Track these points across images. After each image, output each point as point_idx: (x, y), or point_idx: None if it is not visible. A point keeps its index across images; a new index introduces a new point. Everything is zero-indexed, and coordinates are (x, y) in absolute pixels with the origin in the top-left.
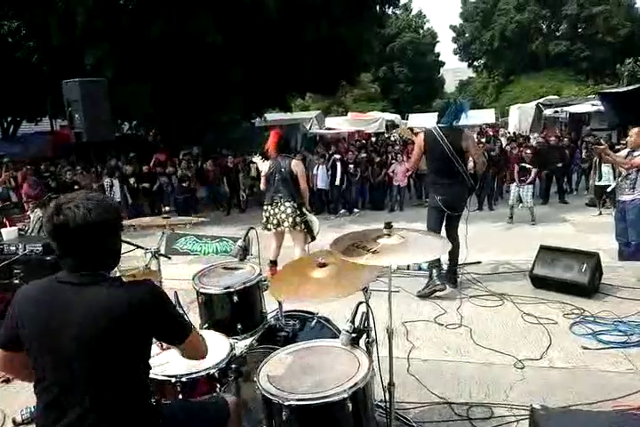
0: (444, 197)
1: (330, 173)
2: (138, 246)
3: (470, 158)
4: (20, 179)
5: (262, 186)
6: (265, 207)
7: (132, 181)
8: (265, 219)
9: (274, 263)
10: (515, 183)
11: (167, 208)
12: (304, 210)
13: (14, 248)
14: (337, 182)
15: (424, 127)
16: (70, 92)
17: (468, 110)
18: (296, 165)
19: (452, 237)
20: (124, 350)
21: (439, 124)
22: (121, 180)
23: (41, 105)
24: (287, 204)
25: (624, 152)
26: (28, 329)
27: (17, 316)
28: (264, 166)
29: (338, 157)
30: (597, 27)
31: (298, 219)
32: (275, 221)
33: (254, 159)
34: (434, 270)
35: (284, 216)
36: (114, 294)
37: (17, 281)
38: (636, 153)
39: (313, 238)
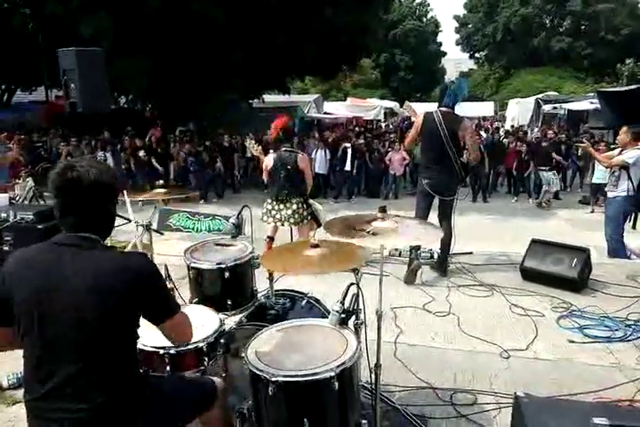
0: (431, 180)
1: (329, 158)
2: (130, 220)
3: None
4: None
5: (265, 179)
6: (269, 201)
7: (141, 153)
8: (266, 210)
9: (271, 239)
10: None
11: (161, 181)
12: (309, 201)
13: (5, 215)
14: (347, 168)
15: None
16: (66, 61)
17: (467, 88)
18: (302, 161)
19: (445, 225)
20: (118, 316)
21: (441, 108)
22: (113, 153)
23: (36, 74)
24: (294, 200)
25: (616, 151)
26: (21, 290)
27: (7, 281)
28: (267, 160)
29: (348, 145)
30: (600, 25)
31: (305, 213)
32: (278, 216)
33: (246, 143)
34: (412, 251)
35: (289, 212)
36: (112, 261)
37: (7, 248)
38: (624, 151)
39: (319, 225)
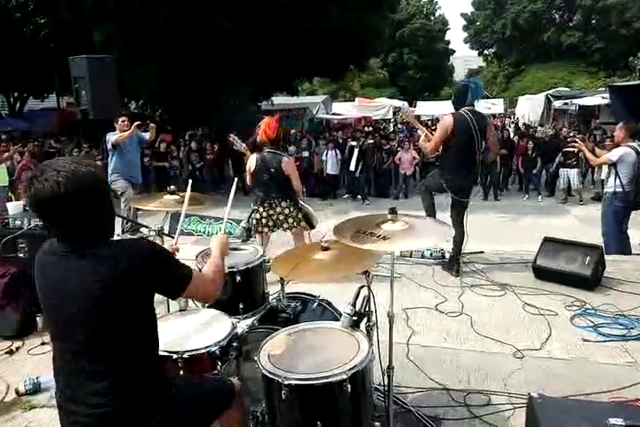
0: (454, 182)
1: (339, 158)
2: (142, 225)
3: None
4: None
5: (249, 182)
6: (255, 208)
7: (145, 160)
8: (255, 220)
9: None
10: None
11: (172, 187)
12: (300, 204)
13: (19, 222)
14: (352, 168)
15: (432, 115)
16: (77, 69)
17: (482, 89)
18: (287, 165)
19: (458, 225)
20: (129, 309)
21: (466, 108)
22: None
23: (48, 81)
24: (284, 204)
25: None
26: (42, 298)
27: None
28: (249, 162)
29: (354, 143)
30: (611, 19)
31: (299, 215)
32: (270, 223)
33: (231, 138)
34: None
35: (282, 217)
36: (114, 256)
37: (22, 255)
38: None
39: (312, 228)
